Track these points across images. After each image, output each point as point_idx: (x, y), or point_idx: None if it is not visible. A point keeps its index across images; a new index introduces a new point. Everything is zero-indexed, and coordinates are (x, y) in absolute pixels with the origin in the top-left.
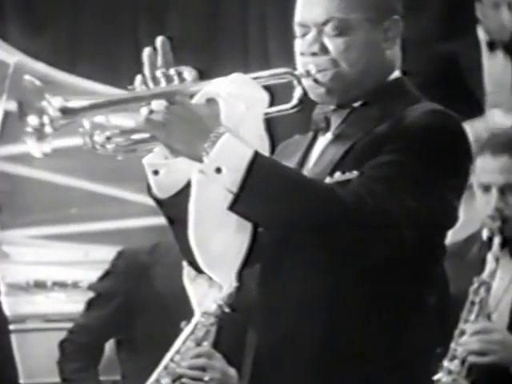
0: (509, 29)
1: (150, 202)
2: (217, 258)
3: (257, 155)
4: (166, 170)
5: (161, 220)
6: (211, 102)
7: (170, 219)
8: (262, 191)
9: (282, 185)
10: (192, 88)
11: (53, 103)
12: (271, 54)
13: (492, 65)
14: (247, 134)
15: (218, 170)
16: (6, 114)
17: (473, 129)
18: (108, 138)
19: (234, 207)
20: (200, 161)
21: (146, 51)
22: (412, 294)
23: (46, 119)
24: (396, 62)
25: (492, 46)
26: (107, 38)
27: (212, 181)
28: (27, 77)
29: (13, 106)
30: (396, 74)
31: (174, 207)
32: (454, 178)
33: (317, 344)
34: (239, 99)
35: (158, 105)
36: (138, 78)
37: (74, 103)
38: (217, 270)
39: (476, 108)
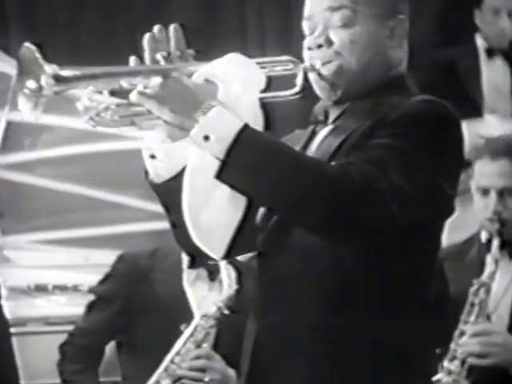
0: (508, 36)
1: (150, 207)
2: (208, 229)
3: (246, 126)
4: (163, 154)
5: (160, 225)
6: (209, 83)
7: (166, 206)
8: (249, 161)
9: (270, 156)
10: (190, 67)
11: (47, 70)
12: (269, 44)
13: (490, 72)
14: (242, 112)
15: (207, 138)
16: (9, 124)
17: (470, 134)
18: (105, 109)
19: (220, 175)
20: (190, 131)
21: (148, 36)
22: (411, 290)
23: (40, 84)
24: (401, 64)
25: (490, 52)
26: (108, 49)
27: (202, 150)
28: (26, 44)
29: (15, 116)
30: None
31: (170, 192)
32: (444, 163)
33: (315, 342)
34: (236, 77)
35: (154, 81)
36: (132, 58)
37: (68, 72)
38: (208, 241)
39: (475, 114)
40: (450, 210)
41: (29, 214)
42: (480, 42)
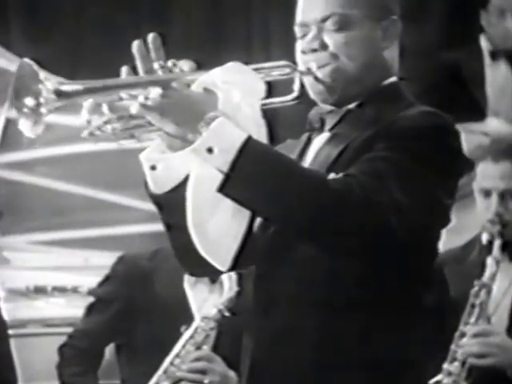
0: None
1: (150, 208)
2: (214, 241)
3: (250, 138)
4: (164, 165)
5: (160, 227)
6: (209, 92)
7: (160, 207)
8: (252, 174)
9: (273, 169)
10: (189, 77)
11: (47, 85)
12: (273, 47)
13: (494, 74)
14: (244, 121)
15: (210, 151)
16: (8, 121)
17: (473, 136)
18: (105, 123)
19: (223, 189)
20: (192, 143)
21: (135, 44)
22: (409, 294)
23: (40, 101)
24: (394, 65)
25: (494, 55)
26: (110, 45)
27: (204, 161)
28: (25, 59)
29: (15, 113)
30: (393, 78)
31: (170, 203)
32: (442, 175)
33: (313, 344)
34: (235, 86)
35: (155, 92)
36: (124, 69)
37: (68, 86)
38: (213, 252)
39: (479, 116)
40: (446, 220)
41: (28, 214)
42: (484, 43)
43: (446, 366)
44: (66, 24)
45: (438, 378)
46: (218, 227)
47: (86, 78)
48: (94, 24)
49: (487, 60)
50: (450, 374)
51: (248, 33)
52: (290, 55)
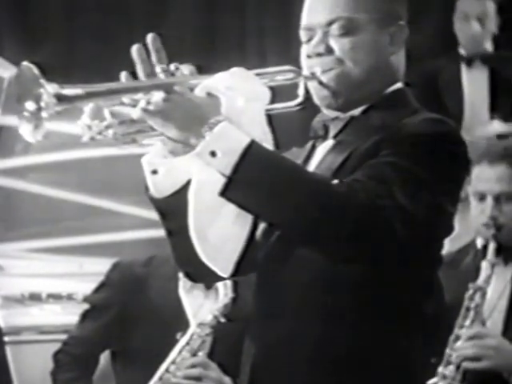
0: (480, 41)
1: (144, 214)
2: (215, 247)
3: (253, 142)
4: (165, 169)
5: (155, 233)
6: (212, 97)
7: (162, 214)
8: (255, 177)
9: (276, 173)
10: (191, 81)
11: (48, 89)
12: (268, 54)
13: (470, 79)
14: (249, 127)
15: (213, 154)
16: (1, 128)
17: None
18: (107, 127)
19: (225, 192)
20: (195, 147)
21: (135, 47)
22: (409, 302)
23: (41, 105)
24: (400, 70)
25: (469, 60)
26: (103, 50)
27: (208, 166)
28: (25, 63)
29: (8, 120)
30: (398, 84)
31: (171, 207)
32: (447, 183)
33: (314, 352)
34: (239, 93)
35: (157, 97)
36: (123, 74)
37: (70, 91)
38: (215, 258)
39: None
40: (450, 228)
41: (22, 222)
42: (461, 50)
43: (441, 369)
44: (58, 29)
45: (434, 380)
46: (220, 233)
47: (80, 82)
48: (86, 30)
49: (463, 66)
50: (444, 377)
51: (242, 38)
52: (285, 62)
